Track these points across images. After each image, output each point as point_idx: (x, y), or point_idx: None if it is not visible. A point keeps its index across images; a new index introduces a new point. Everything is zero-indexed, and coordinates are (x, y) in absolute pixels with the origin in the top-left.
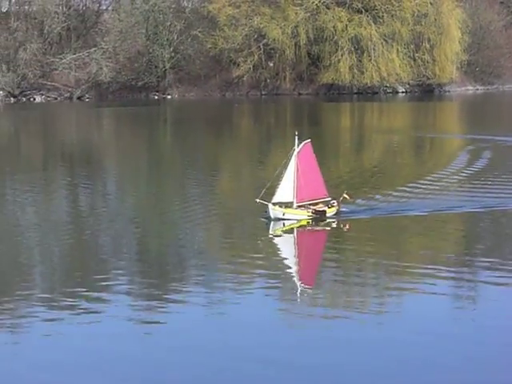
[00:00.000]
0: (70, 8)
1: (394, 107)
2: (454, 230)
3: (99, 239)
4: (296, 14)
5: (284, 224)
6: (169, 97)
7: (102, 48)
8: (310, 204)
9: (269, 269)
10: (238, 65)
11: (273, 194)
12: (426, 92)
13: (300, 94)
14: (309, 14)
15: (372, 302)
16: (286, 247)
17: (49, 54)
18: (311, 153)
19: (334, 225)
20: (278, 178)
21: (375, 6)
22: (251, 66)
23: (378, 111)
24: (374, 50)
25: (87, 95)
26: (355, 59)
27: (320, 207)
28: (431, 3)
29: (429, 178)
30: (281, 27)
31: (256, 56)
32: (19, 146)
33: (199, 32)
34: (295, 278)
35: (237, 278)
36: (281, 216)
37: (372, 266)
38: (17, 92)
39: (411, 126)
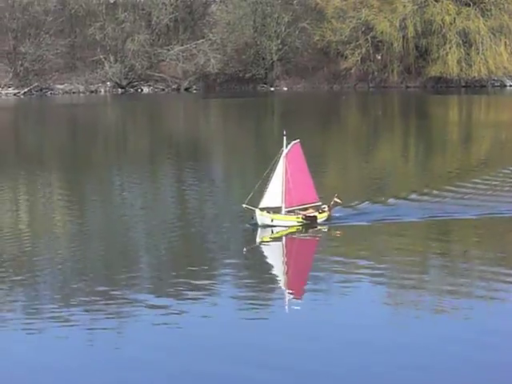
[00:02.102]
0: None
1: (502, 101)
2: None
3: (204, 234)
4: (404, 6)
5: (272, 231)
6: (276, 89)
7: (210, 40)
8: (299, 209)
9: (254, 280)
10: (346, 57)
11: (260, 199)
12: None
13: (408, 86)
14: (417, 7)
15: (365, 314)
16: (274, 256)
17: (156, 45)
18: (300, 154)
19: (326, 231)
20: (266, 182)
21: None
22: (359, 59)
23: (486, 105)
24: (481, 43)
25: (195, 87)
26: (463, 52)
27: (310, 212)
28: None
29: None
30: (389, 20)
31: (364, 48)
32: (126, 138)
33: (307, 24)
34: (283, 290)
35: (219, 288)
36: (269, 222)
37: (366, 277)
38: (124, 83)
39: None
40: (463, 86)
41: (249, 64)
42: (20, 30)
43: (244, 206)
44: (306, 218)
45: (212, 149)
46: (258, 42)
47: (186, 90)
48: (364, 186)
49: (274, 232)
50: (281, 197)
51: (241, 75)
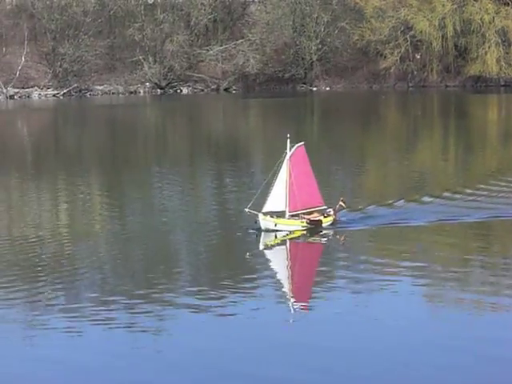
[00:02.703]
0: (216, 0)
1: None
2: None
3: (245, 237)
4: (443, 5)
5: (276, 236)
6: (316, 88)
7: (249, 40)
8: (304, 213)
9: (258, 286)
10: (385, 57)
11: (263, 203)
12: None
13: (447, 86)
14: (456, 6)
15: (372, 324)
16: (278, 262)
17: (195, 45)
18: (305, 157)
19: (331, 236)
20: (269, 185)
21: None
22: (398, 58)
23: None
24: None
25: (234, 87)
26: (502, 51)
27: (315, 216)
28: None
29: None
30: (428, 19)
31: (403, 48)
32: (166, 138)
33: (346, 24)
34: (287, 297)
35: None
36: (272, 227)
37: (372, 283)
38: (163, 83)
39: None
40: (502, 85)
41: (288, 64)
42: (59, 30)
43: (246, 210)
44: (311, 222)
45: (251, 149)
46: (298, 42)
47: (226, 90)
48: (398, 184)
49: (278, 237)
50: (284, 201)
51: (280, 75)
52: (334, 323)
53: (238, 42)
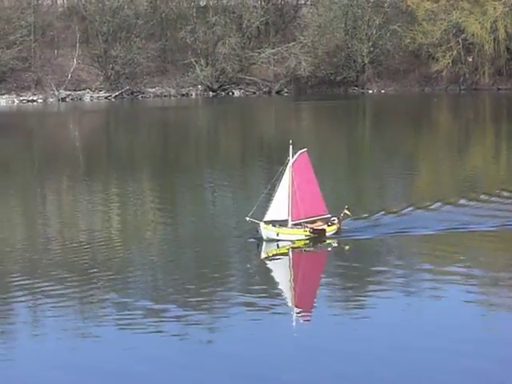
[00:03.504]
0: (268, 2)
1: None
2: None
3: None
4: (494, 8)
5: (278, 245)
6: (368, 91)
7: (301, 42)
8: (307, 222)
9: (259, 298)
10: (437, 59)
11: (265, 212)
12: None
13: (499, 88)
14: (507, 9)
15: (375, 336)
16: (280, 272)
17: (247, 48)
18: (308, 163)
19: (335, 245)
20: (271, 193)
21: None
22: (450, 61)
23: None
24: None
25: (286, 89)
26: None
27: (319, 225)
28: None
29: None
30: (479, 22)
31: (455, 51)
32: (218, 141)
33: (398, 26)
34: (289, 310)
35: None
36: (274, 236)
37: (377, 295)
38: (215, 86)
39: None
40: None
41: (340, 67)
42: (111, 33)
43: (247, 219)
44: (314, 231)
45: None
46: (349, 45)
47: (277, 92)
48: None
49: (280, 246)
50: (287, 209)
51: (332, 78)
52: (337, 336)
53: (289, 45)
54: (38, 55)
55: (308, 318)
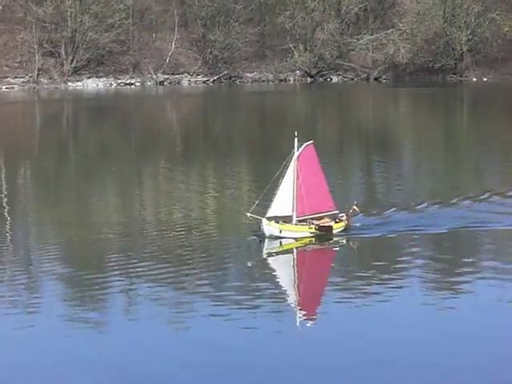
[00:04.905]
0: None
1: None
2: None
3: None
4: None
5: (281, 243)
6: (466, 79)
7: (400, 29)
8: (312, 218)
9: (260, 298)
10: None
11: (268, 207)
12: None
13: None
14: None
15: (382, 336)
16: (283, 272)
17: (346, 34)
18: (314, 156)
19: (343, 243)
20: (274, 187)
21: None
22: None
23: None
24: None
25: (384, 76)
26: None
27: (325, 222)
28: None
29: None
30: None
31: None
32: (315, 126)
33: (496, 15)
34: (291, 311)
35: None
36: (277, 233)
37: (386, 295)
38: (313, 72)
39: None
40: None
41: (438, 54)
42: (209, 17)
43: (249, 214)
44: (320, 228)
45: (400, 140)
46: (448, 33)
47: (376, 79)
48: None
49: (283, 244)
50: (291, 204)
51: (430, 65)
52: (342, 333)
53: (388, 32)
54: (136, 39)
55: (312, 316)
